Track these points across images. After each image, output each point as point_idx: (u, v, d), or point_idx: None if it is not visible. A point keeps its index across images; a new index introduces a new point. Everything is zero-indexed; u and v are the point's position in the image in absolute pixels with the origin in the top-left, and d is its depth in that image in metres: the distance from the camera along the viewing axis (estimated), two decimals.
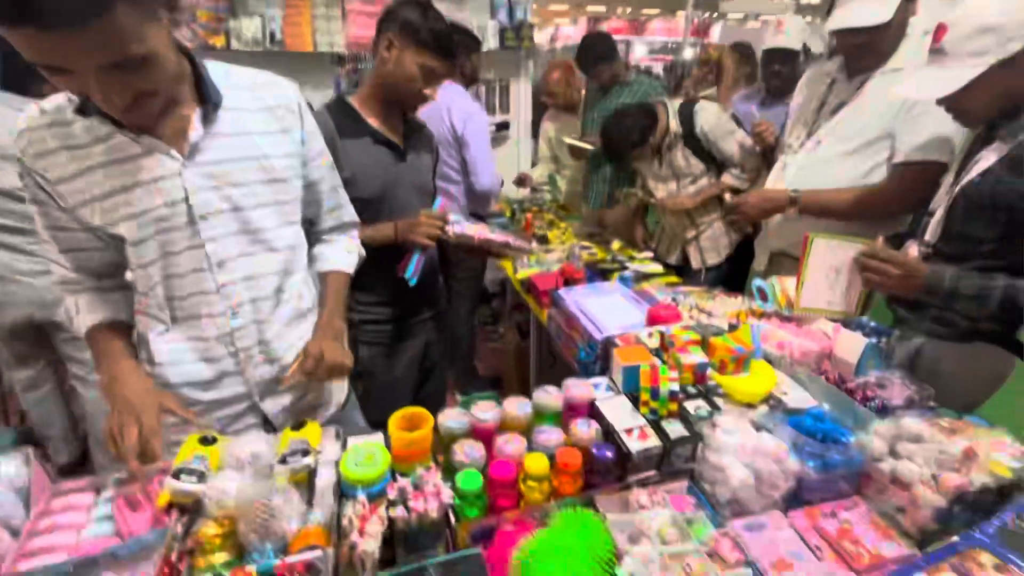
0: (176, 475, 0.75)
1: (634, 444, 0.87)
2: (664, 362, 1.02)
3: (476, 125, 2.27)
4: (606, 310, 1.44)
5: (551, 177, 3.31)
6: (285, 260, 0.97)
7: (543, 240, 2.53)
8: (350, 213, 1.17)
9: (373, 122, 1.41)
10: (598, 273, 1.85)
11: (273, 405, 1.01)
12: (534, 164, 3.50)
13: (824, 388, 1.04)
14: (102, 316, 0.93)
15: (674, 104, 2.13)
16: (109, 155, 0.81)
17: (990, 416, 1.12)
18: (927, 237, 1.28)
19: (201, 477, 0.76)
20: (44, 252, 0.91)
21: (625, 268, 1.95)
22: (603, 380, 1.05)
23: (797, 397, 1.00)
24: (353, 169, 1.33)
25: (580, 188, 3.07)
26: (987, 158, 1.14)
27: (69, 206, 0.83)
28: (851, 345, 1.24)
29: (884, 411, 1.06)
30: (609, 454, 0.86)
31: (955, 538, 0.75)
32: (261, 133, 0.89)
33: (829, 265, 1.24)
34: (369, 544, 0.69)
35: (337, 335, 1.06)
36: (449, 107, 2.22)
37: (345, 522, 0.72)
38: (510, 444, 0.88)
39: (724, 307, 1.52)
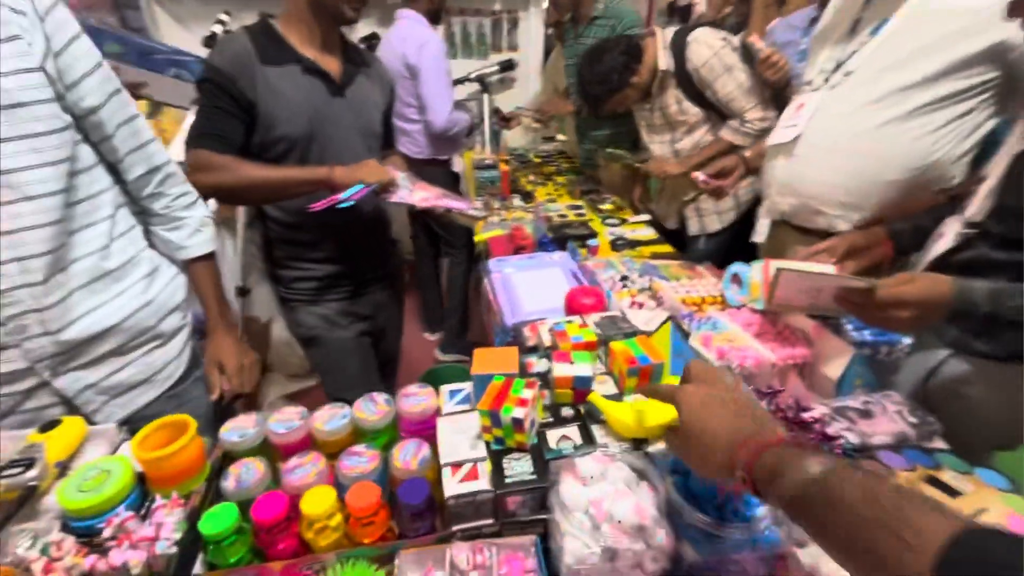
0: None
1: (452, 485, 0.64)
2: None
3: (430, 52, 1.99)
4: (535, 289, 1.18)
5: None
6: (55, 210, 0.77)
7: (528, 197, 2.24)
8: (163, 154, 0.94)
9: (303, 49, 1.19)
10: (556, 241, 1.56)
11: (71, 384, 0.85)
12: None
13: None
14: None
15: (667, 34, 1.73)
16: None
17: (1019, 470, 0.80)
18: (971, 213, 0.91)
19: None
20: None
21: (593, 236, 1.65)
22: (468, 386, 0.81)
23: None
24: (276, 101, 1.15)
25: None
26: None
27: None
28: (834, 354, 0.93)
29: (857, 453, 0.77)
30: (418, 498, 0.64)
31: None
32: None
33: (809, 287, 0.91)
34: None
35: (230, 327, 1.07)
36: (404, 37, 1.93)
37: (24, 570, 0.56)
38: (299, 470, 0.67)
39: (698, 289, 1.21)
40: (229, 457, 0.71)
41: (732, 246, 1.82)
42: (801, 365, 0.94)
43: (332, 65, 1.22)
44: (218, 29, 1.91)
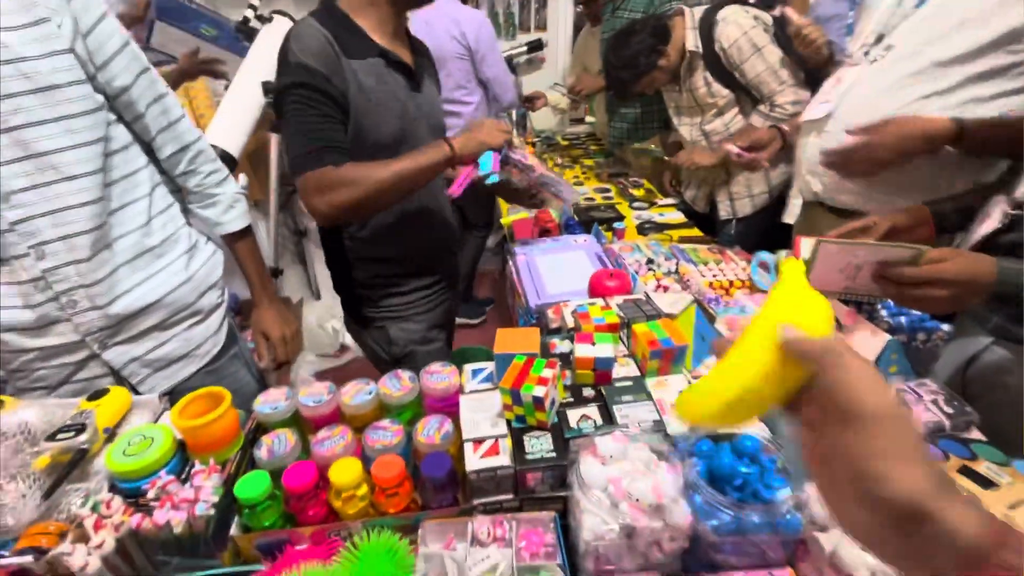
0: None
1: (473, 460, 0.66)
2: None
3: (489, 33, 2.05)
4: (559, 271, 1.18)
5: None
6: (94, 189, 0.81)
7: None
8: (193, 131, 0.95)
9: (378, 38, 1.04)
10: (582, 224, 1.55)
11: (118, 356, 0.90)
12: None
13: None
14: None
15: (695, 13, 1.65)
16: None
17: None
18: (1020, 193, 0.86)
19: None
20: None
21: (621, 219, 1.62)
22: (490, 365, 0.82)
23: None
24: (366, 102, 1.01)
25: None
26: None
27: None
28: (867, 341, 0.90)
29: None
30: (440, 472, 0.66)
31: None
32: (9, 28, 0.71)
33: (846, 263, 0.86)
34: (78, 557, 0.56)
35: (272, 299, 1.12)
36: (456, 18, 1.94)
37: (77, 525, 0.60)
38: (328, 442, 0.70)
39: (726, 273, 1.19)
40: (262, 428, 0.74)
41: (764, 230, 1.76)
42: None
43: (406, 56, 1.09)
44: (250, 14, 1.94)
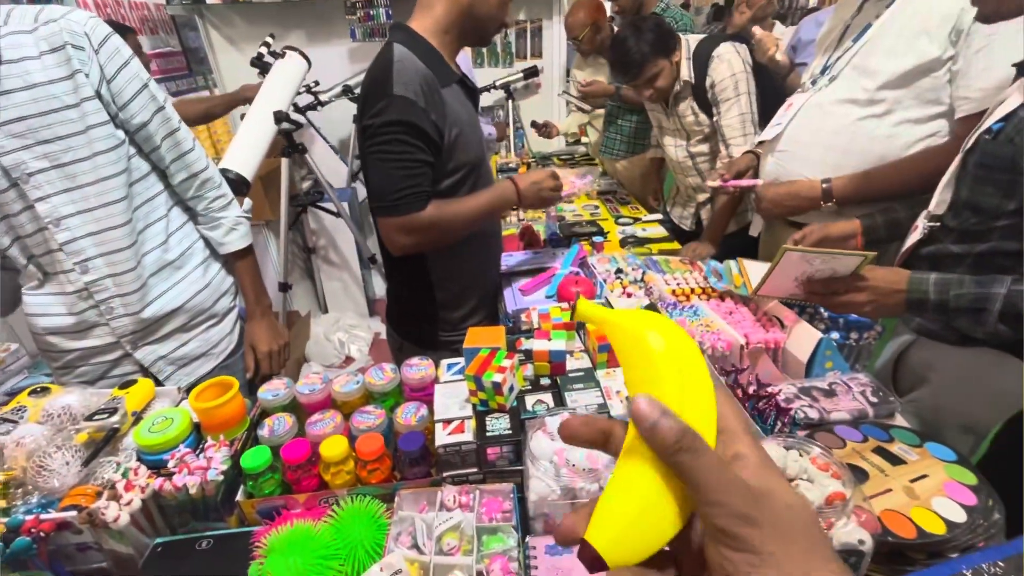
0: None
1: (442, 436, 0.77)
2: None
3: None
4: (536, 280, 1.30)
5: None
6: (123, 214, 0.95)
7: None
8: (201, 161, 1.07)
9: (451, 64, 1.09)
10: (565, 238, 1.67)
11: (148, 355, 1.04)
12: (569, 114, 3.24)
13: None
14: None
15: (691, 42, 1.74)
16: None
17: None
18: (932, 207, 0.97)
19: (10, 428, 0.79)
20: None
21: (603, 234, 1.74)
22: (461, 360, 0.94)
23: None
24: (457, 127, 1.04)
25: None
26: (1012, 98, 0.81)
27: None
28: (804, 339, 1.00)
29: (812, 426, 0.85)
30: (414, 446, 0.77)
31: None
32: (52, 81, 0.85)
33: (801, 271, 0.97)
34: (111, 511, 0.68)
35: (265, 313, 1.20)
36: None
37: (111, 487, 0.72)
38: (320, 423, 0.82)
39: (688, 280, 1.30)
40: (265, 412, 0.86)
41: (744, 243, 1.86)
42: (774, 349, 1.02)
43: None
44: (264, 51, 2.11)
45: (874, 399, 0.91)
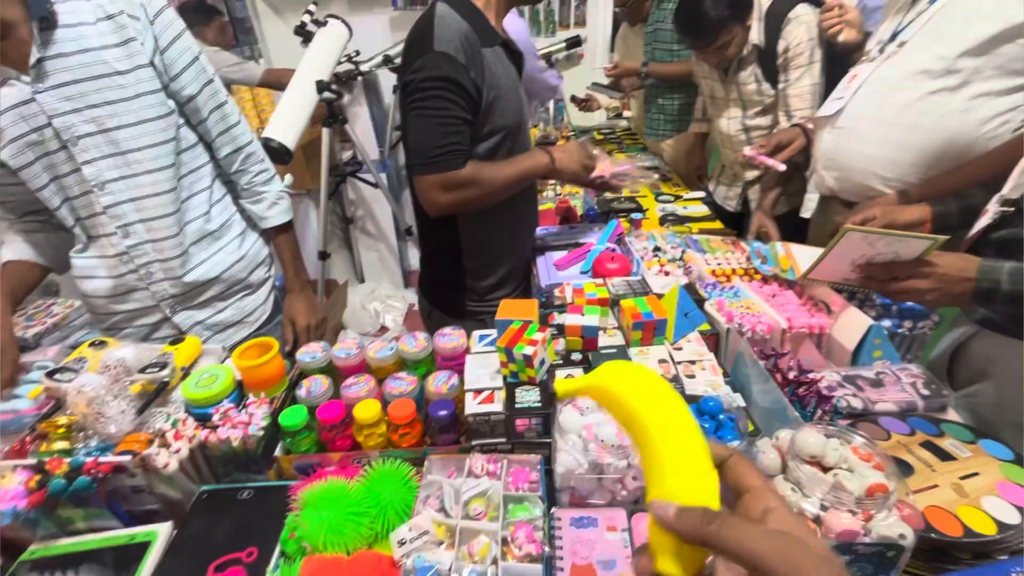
0: (50, 374, 0.85)
1: (472, 406, 0.78)
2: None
3: (524, 33, 2.07)
4: (571, 255, 1.28)
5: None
6: (167, 181, 0.98)
7: None
8: (246, 135, 1.09)
9: (496, 26, 1.07)
10: (602, 215, 1.63)
11: (185, 320, 1.09)
12: None
13: (759, 374, 0.82)
14: (9, 255, 1.02)
15: (763, 3, 1.55)
16: None
17: None
18: (1006, 191, 0.89)
19: (72, 376, 0.85)
20: None
21: (642, 211, 1.69)
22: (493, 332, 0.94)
23: (706, 380, 0.80)
24: (497, 89, 1.03)
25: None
26: None
27: None
28: (852, 326, 0.96)
29: (855, 416, 0.82)
30: (444, 412, 0.78)
31: None
32: (105, 47, 0.87)
33: (860, 253, 0.91)
34: (162, 458, 0.72)
35: (303, 287, 1.21)
36: None
37: (161, 436, 0.77)
38: (355, 387, 0.84)
39: (730, 261, 1.25)
40: (302, 374, 0.89)
41: (794, 225, 1.77)
42: (819, 335, 0.98)
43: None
44: (307, 19, 2.12)
45: (925, 392, 0.86)
